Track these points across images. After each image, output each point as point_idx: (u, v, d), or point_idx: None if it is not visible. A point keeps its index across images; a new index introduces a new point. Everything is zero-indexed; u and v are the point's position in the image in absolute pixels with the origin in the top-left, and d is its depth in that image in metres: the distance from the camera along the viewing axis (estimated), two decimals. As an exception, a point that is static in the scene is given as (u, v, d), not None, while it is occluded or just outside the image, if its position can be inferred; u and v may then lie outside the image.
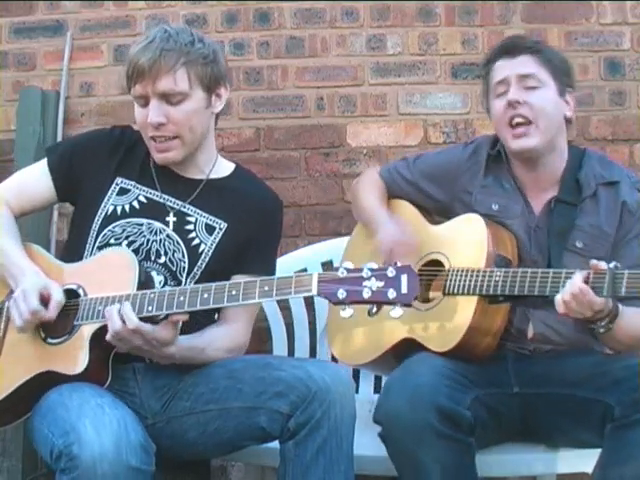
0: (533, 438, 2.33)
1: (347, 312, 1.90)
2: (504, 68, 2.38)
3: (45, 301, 2.12)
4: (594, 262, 2.10)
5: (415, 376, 2.16)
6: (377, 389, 2.91)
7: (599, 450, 2.17)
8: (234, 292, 2.01)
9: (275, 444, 2.13)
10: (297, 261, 3.02)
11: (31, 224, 3.02)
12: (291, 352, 2.97)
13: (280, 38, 3.30)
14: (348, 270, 1.89)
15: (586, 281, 2.07)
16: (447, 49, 3.26)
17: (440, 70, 3.27)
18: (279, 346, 2.97)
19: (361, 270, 1.88)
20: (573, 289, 2.07)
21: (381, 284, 1.86)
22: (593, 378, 2.22)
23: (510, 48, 2.40)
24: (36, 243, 2.37)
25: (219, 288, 2.03)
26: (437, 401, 2.10)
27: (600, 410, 2.16)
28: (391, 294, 1.86)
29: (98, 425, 1.89)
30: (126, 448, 1.87)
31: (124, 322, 2.01)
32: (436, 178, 2.53)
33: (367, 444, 2.29)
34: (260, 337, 3.07)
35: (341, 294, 1.88)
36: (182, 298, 2.03)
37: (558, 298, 2.10)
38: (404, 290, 1.86)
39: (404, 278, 1.87)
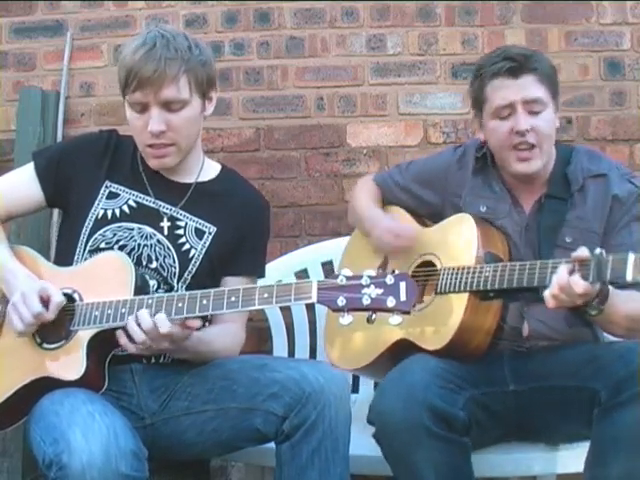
0: (529, 435, 2.33)
1: (346, 319, 1.91)
2: (507, 90, 2.32)
3: (44, 303, 2.09)
4: (575, 253, 2.09)
5: (408, 376, 2.17)
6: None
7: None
8: (233, 299, 2.00)
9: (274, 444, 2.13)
10: (297, 261, 3.02)
11: (31, 226, 3.03)
12: (291, 352, 2.97)
13: (280, 38, 3.30)
14: (347, 277, 1.91)
15: (571, 272, 2.06)
16: (447, 49, 3.26)
17: (440, 70, 3.26)
18: (279, 346, 2.97)
19: (360, 277, 1.90)
20: (560, 282, 2.06)
21: (380, 291, 1.89)
22: (583, 366, 2.23)
23: (511, 68, 2.31)
24: (36, 245, 2.35)
25: (218, 294, 2.02)
26: (430, 401, 2.11)
27: (588, 397, 2.16)
28: (390, 302, 1.88)
29: (87, 433, 1.87)
30: (116, 455, 1.85)
31: (152, 329, 1.99)
32: (428, 182, 2.55)
33: (367, 444, 2.29)
34: (260, 337, 3.07)
35: (341, 301, 1.90)
36: (180, 304, 2.03)
37: (547, 294, 2.09)
38: (403, 298, 1.88)
39: (403, 285, 1.89)
